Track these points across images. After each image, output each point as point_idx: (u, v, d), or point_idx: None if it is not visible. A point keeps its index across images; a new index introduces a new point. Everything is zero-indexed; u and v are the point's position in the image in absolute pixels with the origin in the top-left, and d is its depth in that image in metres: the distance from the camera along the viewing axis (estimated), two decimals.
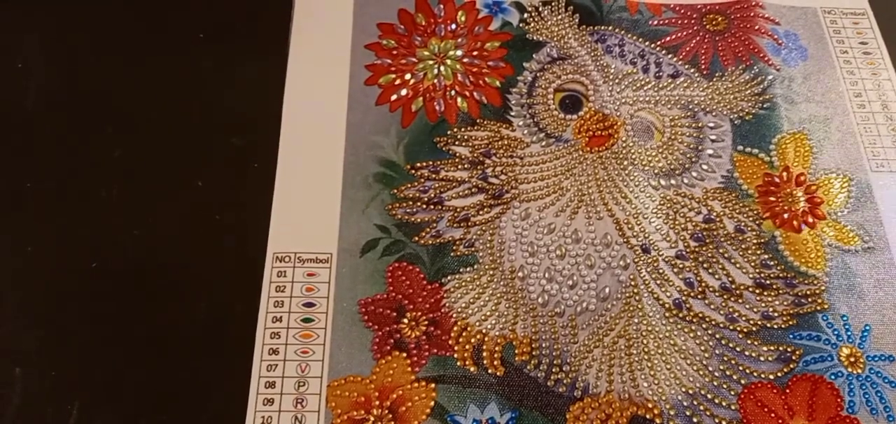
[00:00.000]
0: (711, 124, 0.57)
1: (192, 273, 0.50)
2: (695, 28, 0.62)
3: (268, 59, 0.58)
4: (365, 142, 0.55)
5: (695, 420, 0.46)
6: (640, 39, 0.61)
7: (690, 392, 0.47)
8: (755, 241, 0.52)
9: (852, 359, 0.48)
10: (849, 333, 0.49)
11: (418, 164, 0.54)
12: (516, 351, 0.48)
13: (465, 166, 0.55)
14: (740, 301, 0.50)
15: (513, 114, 0.57)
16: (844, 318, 0.50)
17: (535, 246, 0.51)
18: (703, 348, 0.48)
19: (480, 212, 0.53)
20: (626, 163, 0.55)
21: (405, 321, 0.48)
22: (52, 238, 0.51)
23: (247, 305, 0.48)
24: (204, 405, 0.46)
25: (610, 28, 0.62)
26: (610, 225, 0.52)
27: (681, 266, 0.51)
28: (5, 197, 0.53)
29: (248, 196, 0.53)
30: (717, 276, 0.51)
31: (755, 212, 0.54)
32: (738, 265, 0.51)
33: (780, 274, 0.51)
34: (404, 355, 0.47)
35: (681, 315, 0.49)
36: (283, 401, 0.45)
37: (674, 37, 0.62)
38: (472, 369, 0.47)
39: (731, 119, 0.58)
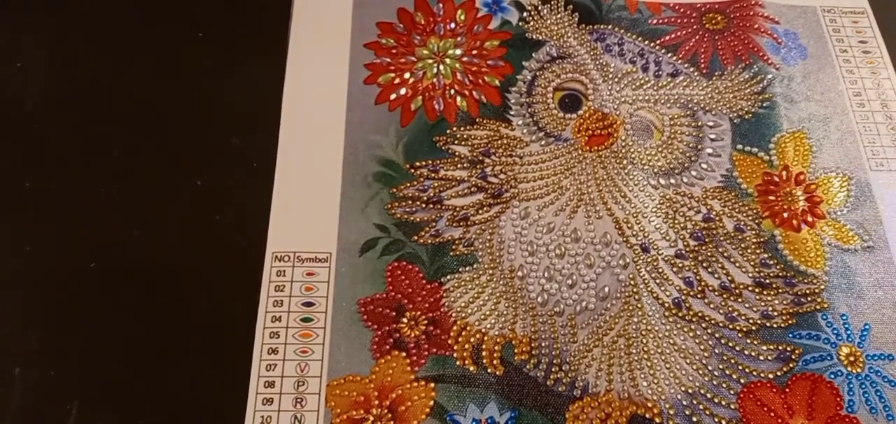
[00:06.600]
0: (711, 123, 0.57)
1: (191, 273, 0.50)
2: (694, 27, 0.62)
3: (267, 59, 0.58)
4: (364, 142, 0.55)
5: (694, 419, 0.46)
6: (640, 38, 0.61)
7: (690, 391, 0.47)
8: (755, 240, 0.52)
9: (852, 358, 0.48)
10: (848, 332, 0.49)
11: (417, 163, 0.54)
12: (516, 351, 0.48)
13: (465, 165, 0.55)
14: (740, 300, 0.50)
15: (512, 113, 0.57)
16: (844, 317, 0.50)
17: (535, 245, 0.51)
18: (702, 347, 0.48)
19: (480, 212, 0.53)
20: (625, 162, 0.55)
21: (404, 320, 0.48)
22: (52, 238, 0.51)
23: (246, 305, 0.48)
24: (203, 404, 0.46)
25: (609, 27, 0.62)
26: (609, 225, 0.52)
27: (680, 265, 0.51)
28: (5, 197, 0.53)
29: (248, 195, 0.53)
30: (716, 275, 0.51)
31: (755, 211, 0.54)
32: (737, 264, 0.51)
33: (780, 274, 0.51)
34: (404, 354, 0.47)
35: (680, 314, 0.49)
36: (283, 401, 0.45)
37: (673, 36, 0.61)
38: (471, 368, 0.47)
39: (730, 118, 0.58)
